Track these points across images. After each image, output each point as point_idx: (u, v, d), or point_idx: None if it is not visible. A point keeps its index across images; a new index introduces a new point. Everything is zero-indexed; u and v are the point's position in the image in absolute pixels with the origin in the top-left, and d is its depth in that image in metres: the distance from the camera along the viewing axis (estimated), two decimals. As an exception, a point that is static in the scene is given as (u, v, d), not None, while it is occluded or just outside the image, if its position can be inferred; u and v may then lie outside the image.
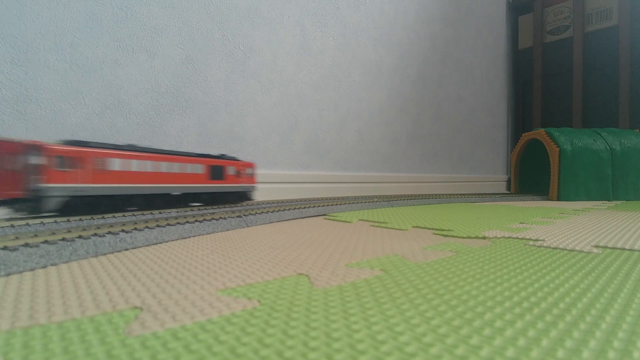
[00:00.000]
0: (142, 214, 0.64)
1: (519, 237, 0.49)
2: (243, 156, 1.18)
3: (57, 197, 0.58)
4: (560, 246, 0.42)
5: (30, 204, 0.57)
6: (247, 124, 1.21)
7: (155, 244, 0.45)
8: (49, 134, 0.82)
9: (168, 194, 0.76)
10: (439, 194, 1.51)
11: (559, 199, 1.45)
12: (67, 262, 0.35)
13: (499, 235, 0.50)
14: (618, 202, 1.33)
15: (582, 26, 2.29)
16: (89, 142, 0.65)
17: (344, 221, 0.69)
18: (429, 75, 1.98)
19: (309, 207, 0.82)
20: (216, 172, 0.85)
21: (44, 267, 0.33)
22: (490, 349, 0.17)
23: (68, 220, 0.54)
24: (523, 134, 1.76)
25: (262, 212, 0.70)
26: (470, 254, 0.38)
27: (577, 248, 0.41)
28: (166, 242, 0.47)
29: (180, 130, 1.06)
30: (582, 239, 0.47)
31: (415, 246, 0.42)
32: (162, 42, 1.02)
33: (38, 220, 0.53)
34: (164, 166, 0.74)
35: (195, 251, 0.41)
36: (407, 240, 0.47)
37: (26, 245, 0.35)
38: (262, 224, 0.65)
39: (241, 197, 0.96)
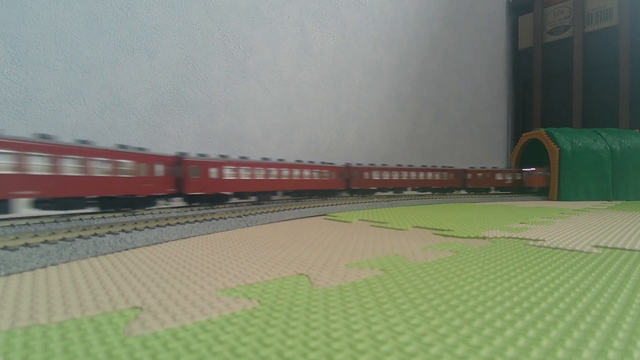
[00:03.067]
0: (142, 214, 0.64)
1: (519, 237, 0.49)
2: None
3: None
4: (560, 246, 0.42)
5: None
6: (247, 124, 1.21)
7: (155, 244, 0.45)
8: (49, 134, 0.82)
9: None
10: (439, 194, 1.51)
11: (559, 199, 1.45)
12: (67, 262, 0.35)
13: (499, 235, 0.50)
14: (618, 202, 1.33)
15: (582, 26, 2.29)
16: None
17: (344, 221, 0.69)
18: (429, 75, 1.98)
19: (309, 207, 0.82)
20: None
21: (44, 267, 0.33)
22: (490, 349, 0.17)
23: (68, 220, 0.54)
24: (523, 134, 1.75)
25: (262, 212, 0.70)
26: (470, 254, 0.38)
27: (577, 248, 0.41)
28: (166, 242, 0.47)
29: (180, 130, 1.06)
30: (582, 239, 0.47)
31: (415, 246, 0.42)
32: (162, 42, 1.02)
33: (38, 220, 0.53)
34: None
35: (195, 251, 0.41)
36: (407, 240, 0.47)
37: (26, 245, 0.35)
38: (262, 224, 0.65)
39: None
